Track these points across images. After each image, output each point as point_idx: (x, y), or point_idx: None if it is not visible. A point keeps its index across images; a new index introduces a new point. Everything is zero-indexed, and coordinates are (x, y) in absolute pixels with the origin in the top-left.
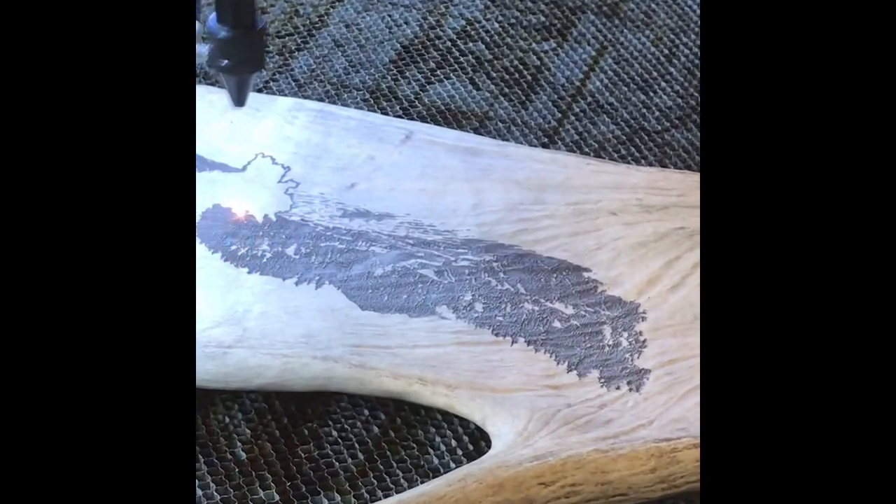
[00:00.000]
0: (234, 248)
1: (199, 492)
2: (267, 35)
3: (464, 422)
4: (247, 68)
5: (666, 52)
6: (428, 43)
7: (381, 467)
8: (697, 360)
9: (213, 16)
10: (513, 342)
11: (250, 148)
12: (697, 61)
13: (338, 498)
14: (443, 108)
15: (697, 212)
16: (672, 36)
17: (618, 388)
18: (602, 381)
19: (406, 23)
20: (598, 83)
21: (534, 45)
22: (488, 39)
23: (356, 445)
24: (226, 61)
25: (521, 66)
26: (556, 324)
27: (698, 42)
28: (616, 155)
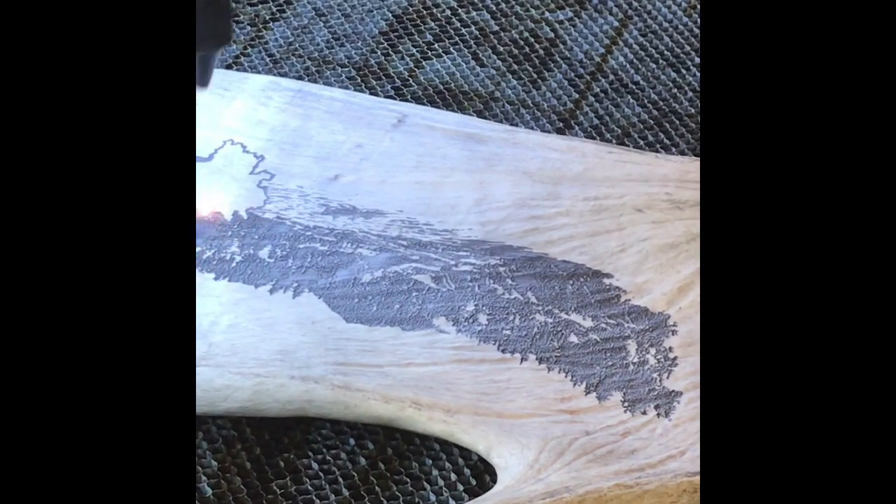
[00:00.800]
0: (198, 250)
1: None
2: (234, 3)
3: (465, 452)
4: (210, 43)
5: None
6: (424, 12)
7: None
8: None
9: None
10: (522, 360)
11: (218, 134)
12: None
13: None
14: (441, 87)
15: None
16: None
17: (644, 412)
18: (626, 404)
19: None
20: (621, 58)
21: (547, 14)
22: (494, 8)
23: (340, 479)
24: None
25: (532, 39)
26: (573, 338)
27: None
28: (642, 142)
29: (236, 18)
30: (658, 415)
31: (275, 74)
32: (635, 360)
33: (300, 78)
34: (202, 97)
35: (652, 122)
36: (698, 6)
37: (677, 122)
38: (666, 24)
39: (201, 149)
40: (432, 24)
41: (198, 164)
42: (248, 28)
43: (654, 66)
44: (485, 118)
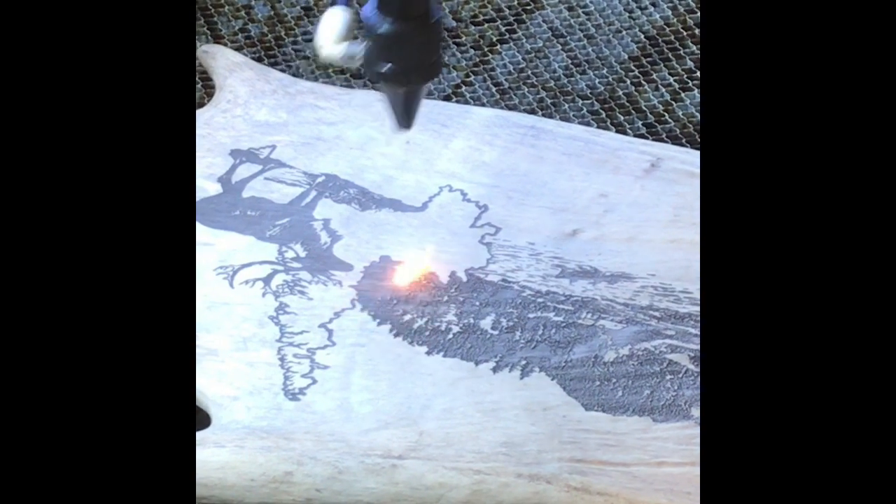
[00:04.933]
0: (407, 318)
1: None
2: (444, 29)
3: None
4: (417, 76)
5: None
6: (684, 32)
7: None
8: None
9: (371, 2)
10: None
11: (433, 178)
12: None
13: None
14: None
15: None
16: None
17: None
18: None
19: (654, 4)
20: None
21: None
22: None
23: None
24: (388, 66)
25: None
26: None
27: None
28: None
29: (458, 41)
30: None
31: (502, 107)
32: None
33: (532, 112)
34: (412, 135)
35: None
36: None
37: None
38: None
39: (413, 196)
40: (693, 47)
41: (408, 215)
42: (472, 52)
43: None
44: None
